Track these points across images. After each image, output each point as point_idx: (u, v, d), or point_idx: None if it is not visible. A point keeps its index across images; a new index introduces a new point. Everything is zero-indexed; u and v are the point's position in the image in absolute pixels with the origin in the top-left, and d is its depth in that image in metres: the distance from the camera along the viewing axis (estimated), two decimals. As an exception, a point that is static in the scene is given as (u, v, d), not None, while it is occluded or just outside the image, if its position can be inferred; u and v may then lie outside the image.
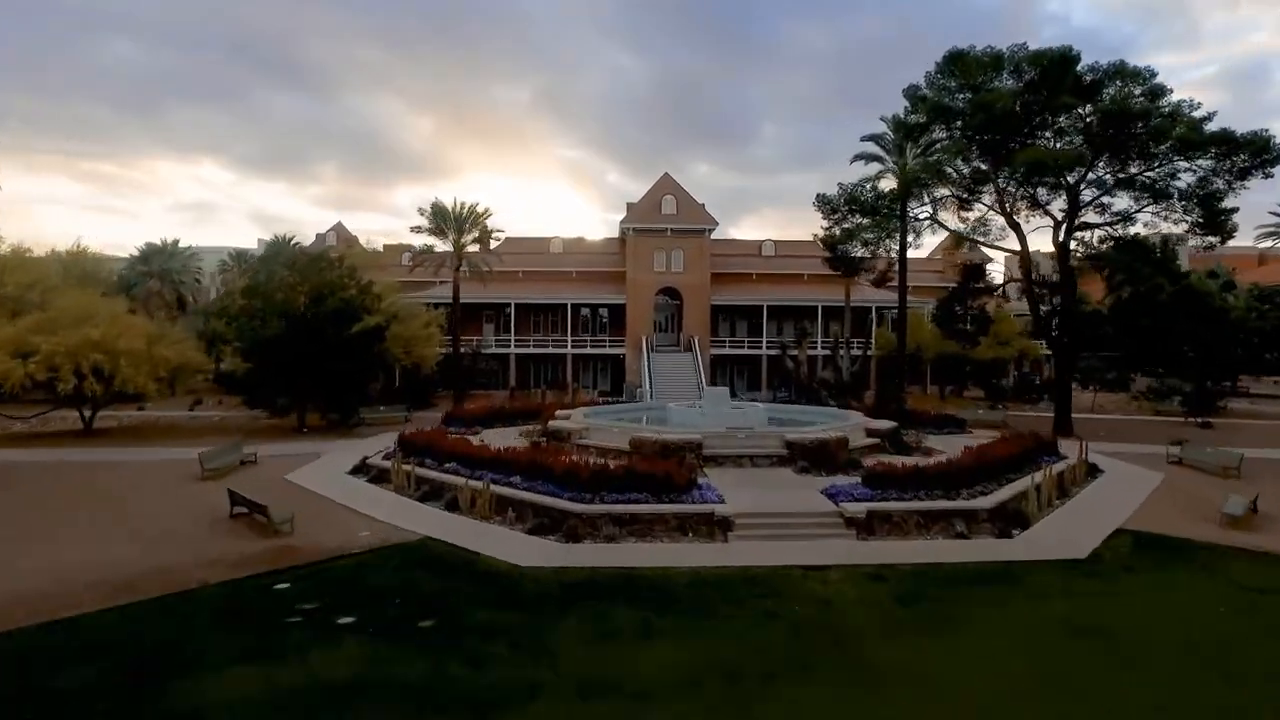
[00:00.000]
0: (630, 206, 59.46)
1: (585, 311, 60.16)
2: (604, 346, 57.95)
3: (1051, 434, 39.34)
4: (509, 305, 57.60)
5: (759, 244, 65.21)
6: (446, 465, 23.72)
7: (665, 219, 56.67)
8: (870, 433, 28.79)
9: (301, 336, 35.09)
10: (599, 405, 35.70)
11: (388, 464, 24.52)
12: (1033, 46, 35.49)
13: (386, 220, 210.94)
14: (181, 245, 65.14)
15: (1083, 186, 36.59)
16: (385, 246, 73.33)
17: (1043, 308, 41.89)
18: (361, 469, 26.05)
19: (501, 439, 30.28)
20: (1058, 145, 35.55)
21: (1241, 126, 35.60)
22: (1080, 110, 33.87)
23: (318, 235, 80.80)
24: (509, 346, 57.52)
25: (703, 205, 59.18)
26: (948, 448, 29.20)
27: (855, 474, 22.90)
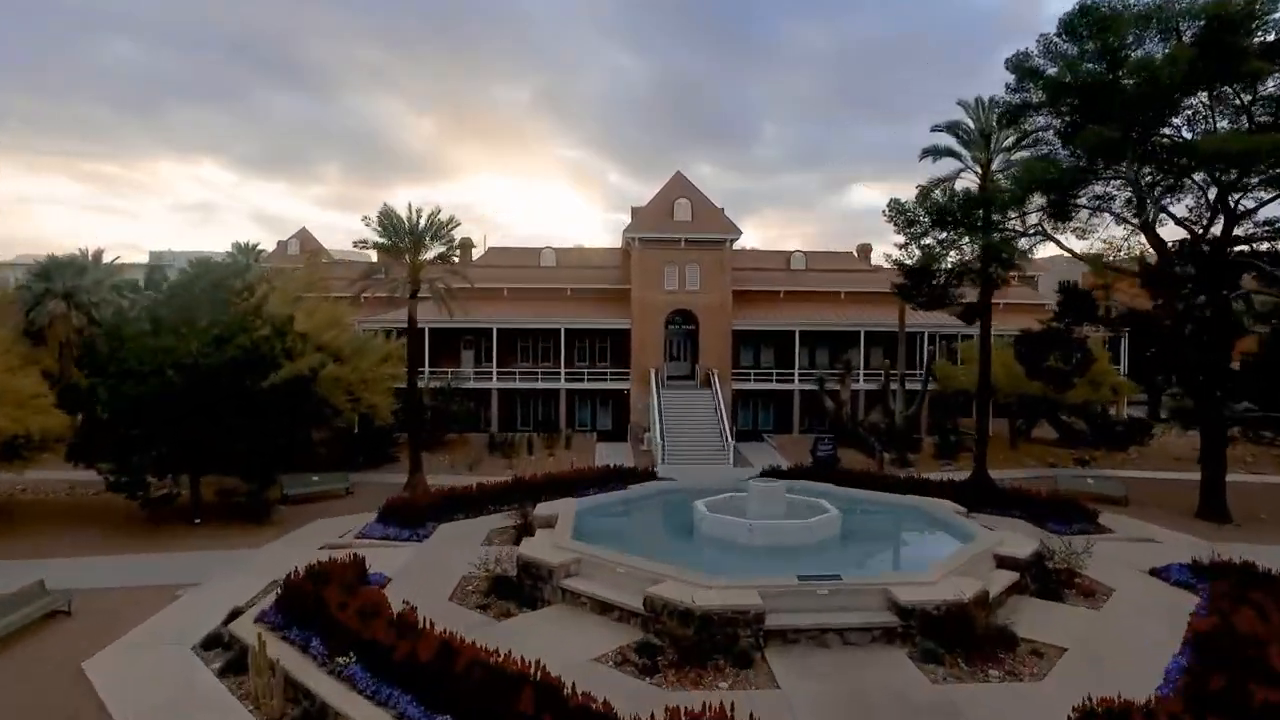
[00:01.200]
0: (636, 212, 49.82)
1: (583, 338, 50.64)
2: (604, 380, 48.37)
3: (1199, 511, 29.85)
4: (491, 330, 48.08)
5: (786, 256, 55.52)
6: (338, 663, 14.15)
7: (678, 227, 47.06)
8: (1001, 562, 19.18)
9: (192, 392, 25.56)
10: (591, 497, 26.09)
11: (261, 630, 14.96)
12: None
13: None
14: (109, 258, 55.38)
15: (1245, 185, 26.99)
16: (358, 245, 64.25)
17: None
18: (217, 641, 16.40)
19: (460, 553, 20.93)
20: (1220, 128, 25.98)
21: None
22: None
23: (279, 243, 71.39)
24: (490, 380, 47.97)
25: (721, 210, 49.64)
26: (1104, 574, 19.79)
27: (1007, 658, 13.78)
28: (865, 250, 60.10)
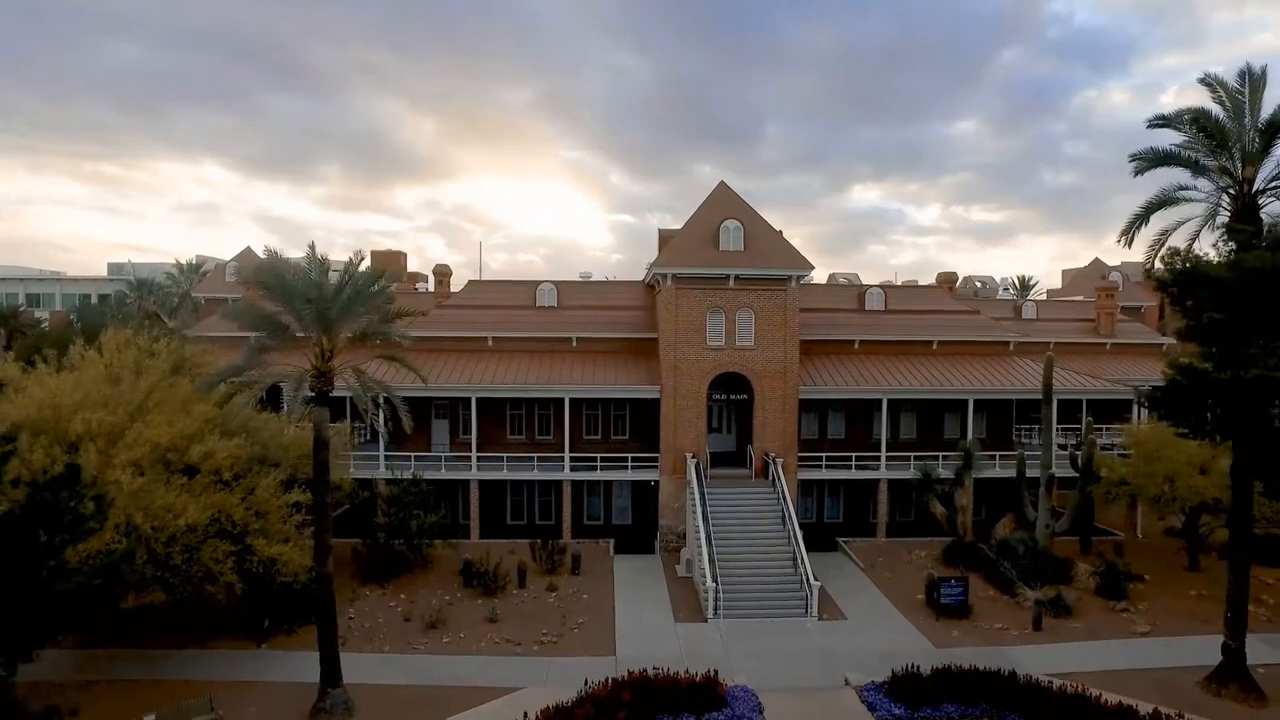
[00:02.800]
0: (668, 241, 36.92)
1: (594, 406, 37.89)
2: (624, 467, 35.55)
3: None
4: (469, 398, 35.35)
5: (859, 293, 42.53)
6: None
7: (725, 260, 34.23)
8: None
9: None
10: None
11: None
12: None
13: (389, 221, 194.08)
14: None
15: None
16: (375, 253, 51.54)
17: None
18: None
19: None
20: None
21: None
22: None
23: (217, 265, 58.40)
24: (469, 468, 35.18)
25: (780, 233, 36.84)
26: None
27: None
28: (948, 281, 47.25)
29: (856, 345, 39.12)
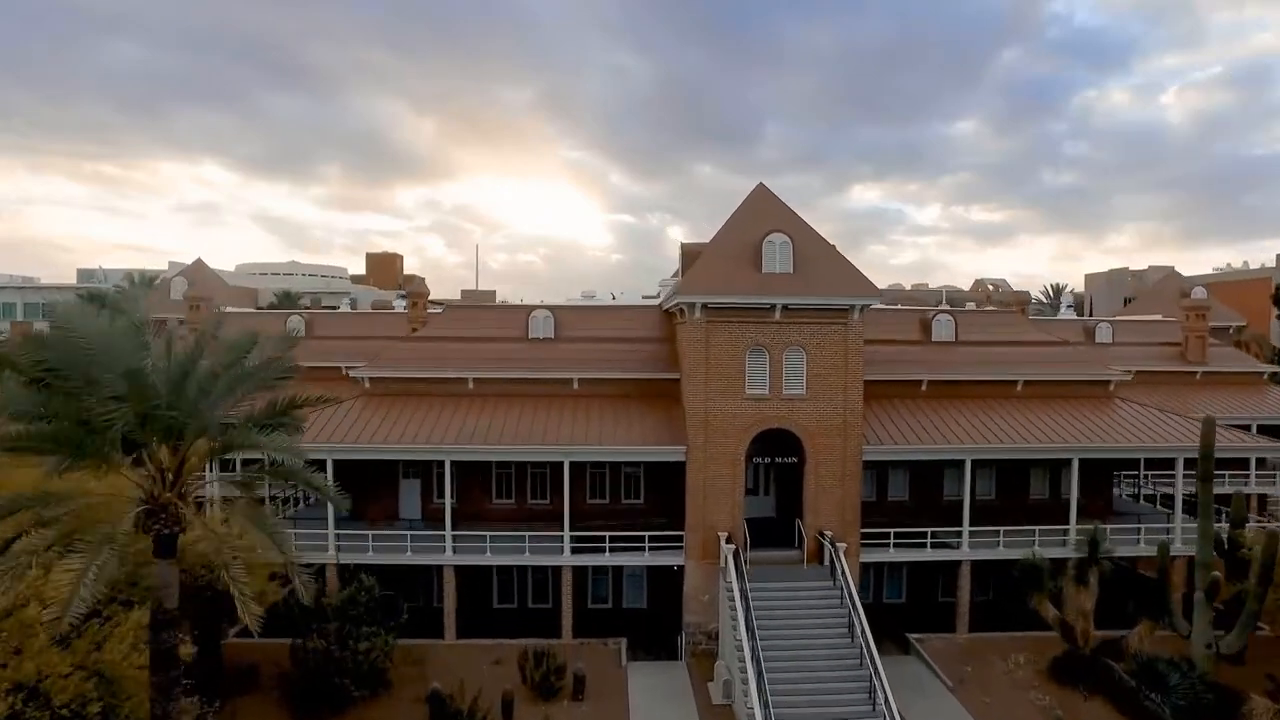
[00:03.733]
0: (692, 258, 29.27)
1: (600, 466, 30.45)
2: (639, 548, 27.99)
3: None
4: (443, 460, 27.89)
5: (922, 319, 34.87)
6: None
7: (769, 285, 26.71)
8: None
9: None
10: None
11: None
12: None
13: (389, 221, 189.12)
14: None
15: None
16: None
17: None
18: None
19: None
20: None
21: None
22: None
23: (162, 278, 50.81)
24: (443, 550, 27.68)
25: (832, 247, 29.37)
26: None
27: None
28: (1020, 302, 39.72)
29: (924, 387, 31.65)
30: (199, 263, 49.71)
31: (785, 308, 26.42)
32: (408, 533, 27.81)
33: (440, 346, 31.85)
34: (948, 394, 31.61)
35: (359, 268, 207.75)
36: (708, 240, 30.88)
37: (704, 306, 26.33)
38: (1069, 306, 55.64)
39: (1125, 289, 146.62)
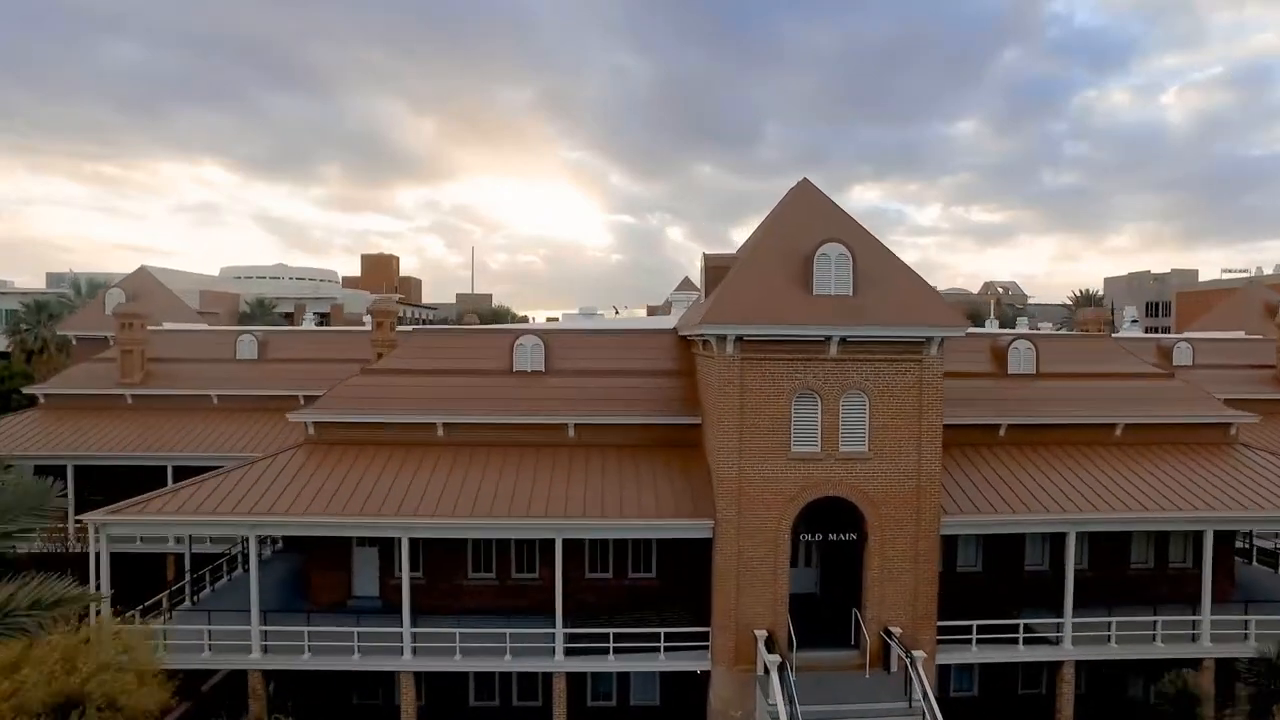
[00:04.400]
0: (718, 274, 22.98)
1: (602, 540, 24.26)
2: (654, 652, 21.75)
3: None
4: (401, 537, 21.67)
5: (995, 345, 28.54)
6: None
7: (825, 311, 20.49)
8: None
9: None
10: None
11: None
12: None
13: (389, 222, 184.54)
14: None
15: None
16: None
17: None
18: None
19: None
20: None
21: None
22: None
23: (103, 291, 44.60)
24: (400, 651, 21.47)
25: (901, 260, 23.12)
26: None
27: None
28: (1098, 320, 33.52)
29: (1002, 432, 25.52)
30: (141, 271, 43.57)
31: (844, 340, 20.28)
32: (354, 629, 21.58)
33: (404, 382, 25.67)
34: (1031, 439, 25.51)
35: (358, 268, 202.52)
36: (734, 250, 24.82)
37: (738, 339, 20.18)
38: (1133, 321, 49.32)
39: (1147, 293, 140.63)
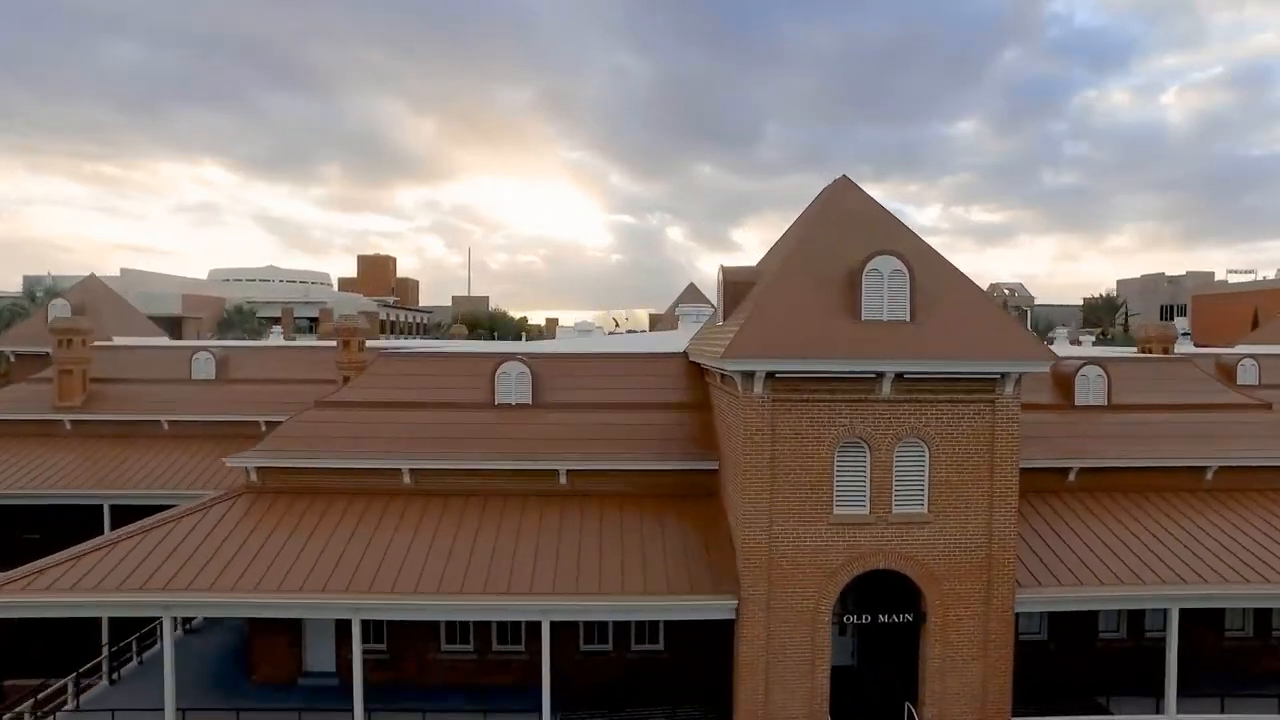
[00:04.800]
0: (741, 291, 19.02)
1: (601, 621, 20.26)
2: (661, 750, 17.87)
3: None
4: (353, 616, 17.65)
5: (1058, 369, 24.51)
6: None
7: (875, 341, 16.51)
8: None
9: None
10: None
11: None
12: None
13: (389, 222, 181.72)
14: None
15: None
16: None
17: None
18: None
19: None
20: None
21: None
22: None
23: (52, 299, 40.58)
24: (348, 758, 17.52)
25: (966, 276, 19.11)
26: None
27: None
28: (1164, 339, 29.48)
29: (1072, 476, 21.55)
30: (91, 279, 39.55)
31: (900, 377, 16.32)
32: (298, 716, 17.63)
33: (365, 418, 21.70)
34: (1105, 485, 21.56)
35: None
36: (739, 253, 20.88)
37: (770, 376, 16.20)
38: (1184, 334, 45.27)
39: (1161, 296, 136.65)
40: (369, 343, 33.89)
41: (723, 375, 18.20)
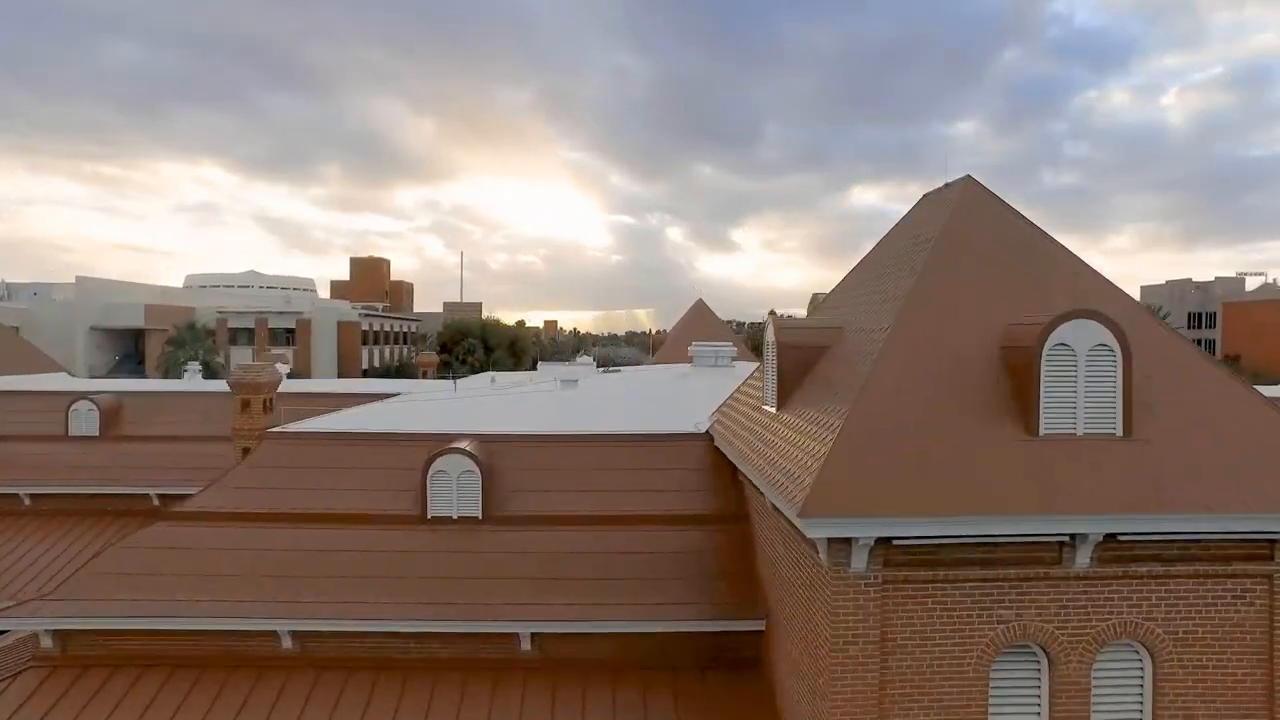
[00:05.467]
0: (793, 350, 11.81)
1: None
2: None
3: None
4: None
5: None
6: None
7: (1061, 482, 9.38)
8: None
9: None
10: None
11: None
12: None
13: (389, 222, 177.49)
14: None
15: None
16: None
17: None
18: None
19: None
20: None
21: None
22: None
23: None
24: None
25: (1204, 358, 11.88)
26: None
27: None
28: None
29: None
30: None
31: (1110, 538, 9.10)
32: None
33: (229, 541, 14.44)
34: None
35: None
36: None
37: (879, 544, 8.98)
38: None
39: (1189, 302, 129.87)
40: (299, 387, 26.70)
41: (794, 527, 10.94)
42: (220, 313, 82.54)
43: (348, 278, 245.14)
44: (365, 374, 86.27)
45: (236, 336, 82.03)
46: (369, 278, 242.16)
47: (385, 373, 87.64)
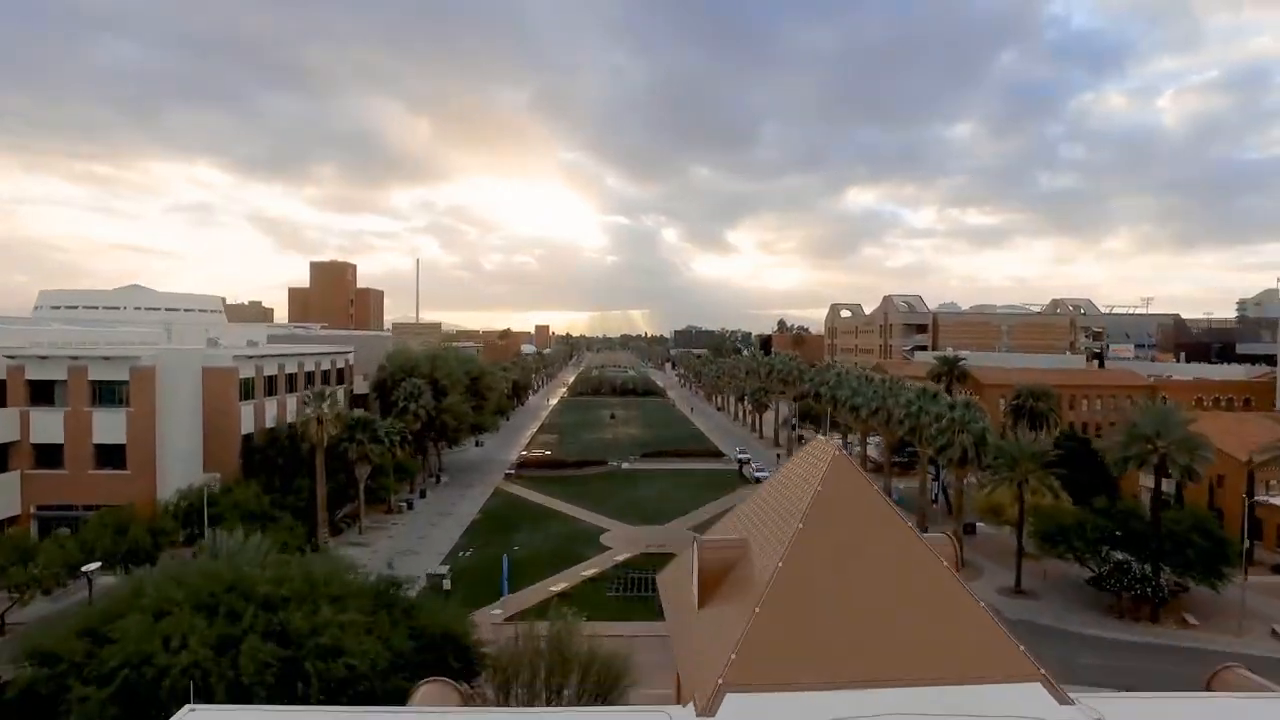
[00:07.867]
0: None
1: None
2: None
3: None
4: None
5: None
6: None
7: None
8: None
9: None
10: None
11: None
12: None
13: (385, 222, 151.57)
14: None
15: None
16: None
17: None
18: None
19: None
20: None
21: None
22: None
23: None
24: None
25: None
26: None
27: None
28: None
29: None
30: None
31: None
32: None
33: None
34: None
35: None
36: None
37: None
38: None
39: (1273, 310, 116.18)
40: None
41: None
42: (10, 358, 53.02)
43: (307, 285, 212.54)
44: (244, 445, 57.42)
45: (38, 392, 52.41)
46: (332, 285, 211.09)
47: (259, 462, 56.62)
